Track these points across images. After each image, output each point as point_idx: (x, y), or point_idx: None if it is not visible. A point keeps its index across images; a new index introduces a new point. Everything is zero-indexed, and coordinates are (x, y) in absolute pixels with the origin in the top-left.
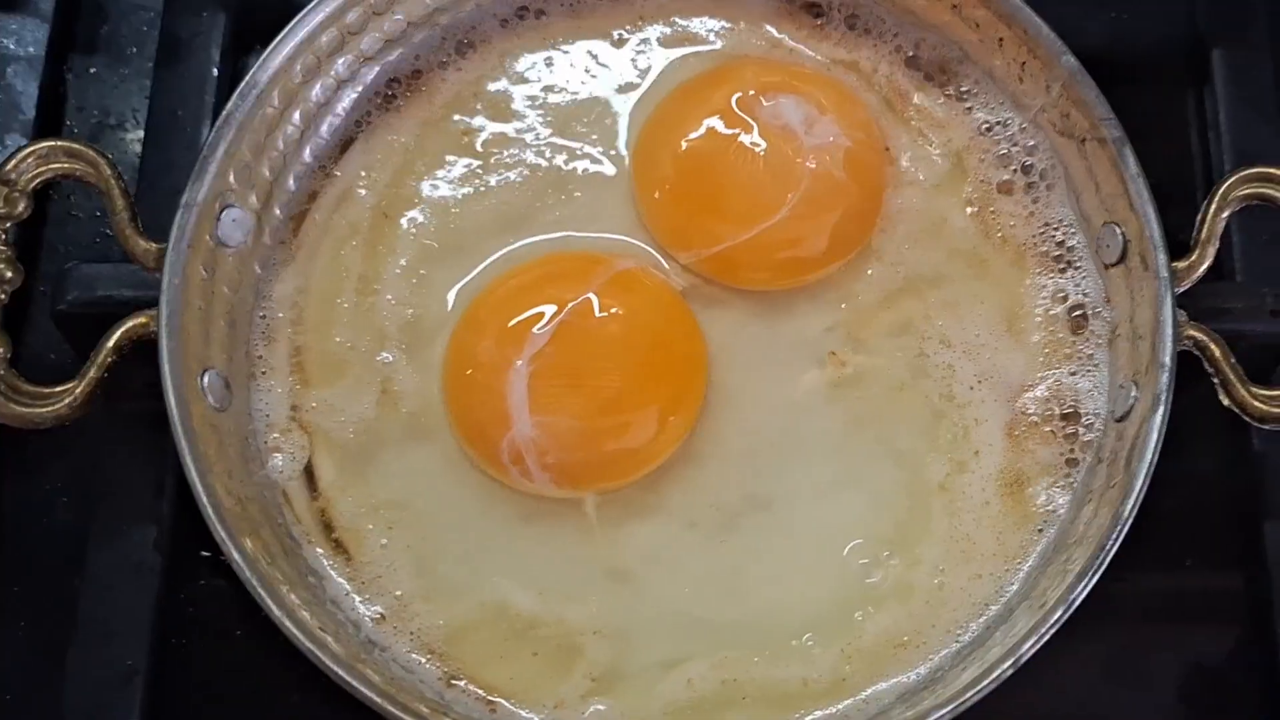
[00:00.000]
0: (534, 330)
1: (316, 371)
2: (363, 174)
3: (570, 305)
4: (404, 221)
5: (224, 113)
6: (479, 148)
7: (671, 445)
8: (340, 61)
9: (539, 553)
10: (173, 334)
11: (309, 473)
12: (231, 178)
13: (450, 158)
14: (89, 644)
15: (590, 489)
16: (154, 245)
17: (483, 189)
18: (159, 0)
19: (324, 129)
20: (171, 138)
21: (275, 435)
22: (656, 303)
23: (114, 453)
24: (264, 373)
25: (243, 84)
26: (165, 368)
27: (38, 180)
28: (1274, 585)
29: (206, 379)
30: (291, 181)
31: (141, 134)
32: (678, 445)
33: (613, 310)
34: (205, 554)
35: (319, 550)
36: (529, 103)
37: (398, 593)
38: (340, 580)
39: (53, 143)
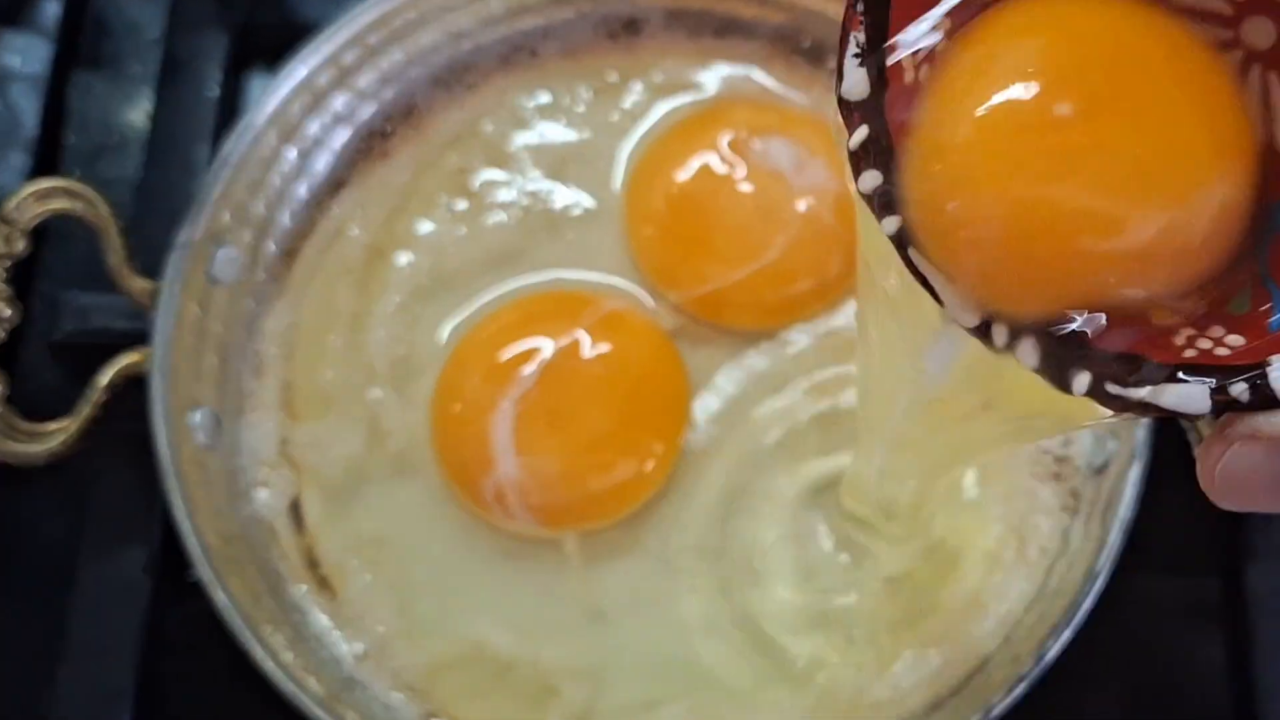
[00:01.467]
0: (521, 371)
1: (305, 407)
2: (357, 211)
3: (557, 346)
4: (397, 259)
5: (221, 153)
6: (473, 188)
7: (653, 486)
8: (338, 100)
9: (519, 591)
10: (164, 373)
11: (295, 509)
12: (227, 216)
13: (444, 197)
14: (77, 663)
15: (572, 528)
16: (149, 284)
17: (476, 229)
18: (161, 20)
19: (320, 165)
20: (171, 157)
21: (263, 470)
22: (642, 344)
23: (105, 475)
24: (253, 408)
25: (240, 124)
26: (156, 408)
27: (37, 219)
28: (1256, 627)
29: (198, 416)
30: (286, 218)
31: (142, 153)
32: (659, 486)
33: (599, 351)
34: (194, 579)
35: (304, 587)
36: (523, 143)
37: (380, 629)
38: (323, 616)
39: (52, 182)
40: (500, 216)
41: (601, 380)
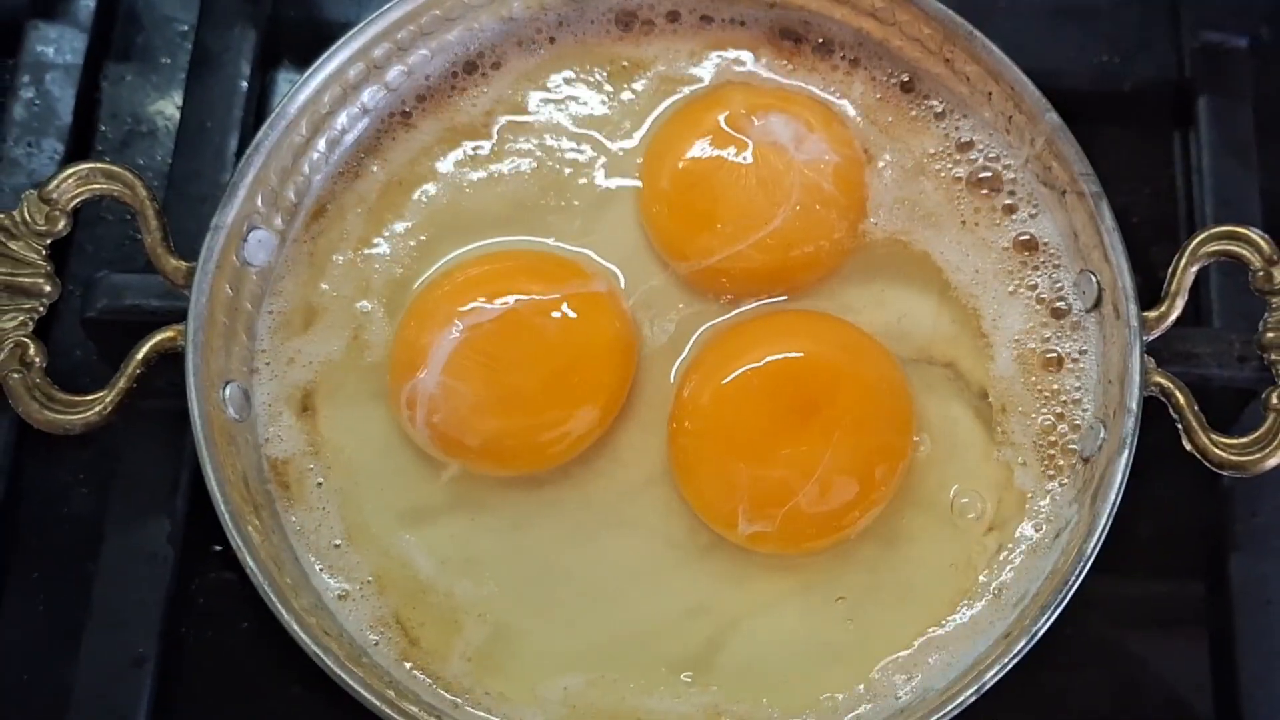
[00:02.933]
0: (487, 304)
1: (296, 319)
2: (378, 159)
3: (530, 300)
4: (413, 192)
5: (254, 141)
6: (494, 132)
7: (545, 462)
8: (366, 92)
9: (457, 526)
10: (198, 349)
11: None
12: (259, 201)
13: (466, 142)
14: (102, 630)
15: (455, 462)
16: (183, 264)
17: (494, 174)
18: (193, 13)
19: (348, 149)
20: (200, 147)
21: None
22: (604, 332)
23: (133, 447)
24: (266, 361)
25: (273, 114)
26: (190, 382)
27: (77, 200)
28: (1236, 612)
29: (228, 391)
30: (312, 200)
31: (171, 142)
32: (551, 462)
33: (563, 321)
34: (217, 548)
35: (278, 506)
36: (543, 99)
37: (336, 542)
38: (302, 548)
39: (92, 165)
40: (518, 165)
41: (553, 349)
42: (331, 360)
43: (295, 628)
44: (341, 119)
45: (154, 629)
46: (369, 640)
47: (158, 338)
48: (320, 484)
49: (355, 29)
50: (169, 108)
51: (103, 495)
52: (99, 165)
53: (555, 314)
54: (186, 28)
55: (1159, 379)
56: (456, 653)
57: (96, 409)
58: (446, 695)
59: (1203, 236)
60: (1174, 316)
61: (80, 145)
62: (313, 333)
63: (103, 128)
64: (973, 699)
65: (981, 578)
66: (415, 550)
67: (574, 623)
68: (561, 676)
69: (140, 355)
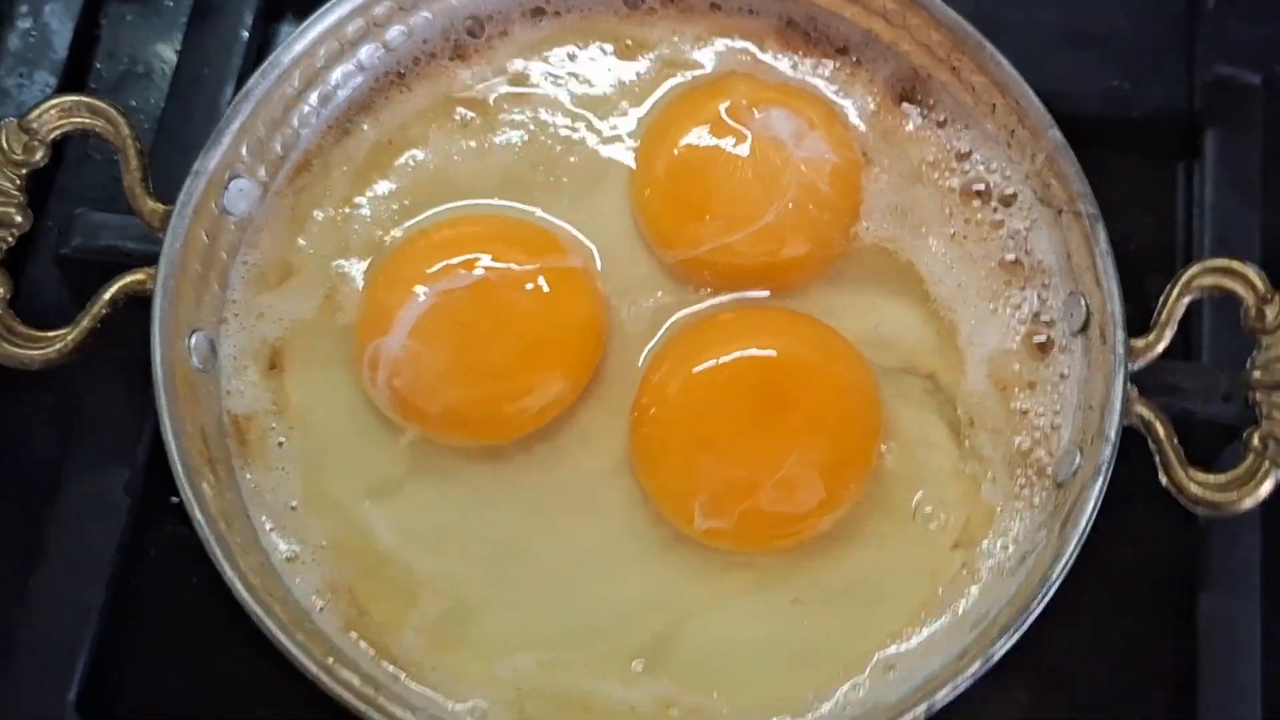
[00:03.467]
0: (460, 270)
1: (270, 273)
2: (370, 117)
3: (503, 268)
4: (400, 155)
5: (244, 88)
6: (489, 101)
7: (504, 433)
8: (364, 49)
9: (421, 498)
10: (167, 294)
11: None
12: (244, 150)
13: (460, 109)
14: (51, 575)
15: (414, 427)
16: (160, 206)
17: (484, 143)
18: None
19: (340, 105)
20: (194, 95)
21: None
22: (575, 308)
23: (99, 394)
24: (236, 313)
25: (266, 62)
26: (155, 327)
27: (58, 132)
28: (1201, 653)
29: (193, 340)
30: (299, 154)
31: (166, 86)
32: (509, 434)
33: (535, 293)
34: (174, 500)
35: (235, 462)
36: (539, 95)
37: (293, 504)
38: (255, 507)
39: (76, 97)
40: (510, 137)
41: (521, 321)
42: (303, 319)
43: (238, 585)
44: (336, 74)
45: (103, 577)
46: (314, 605)
47: (127, 279)
48: (282, 444)
49: None
50: (168, 51)
51: (63, 439)
52: (83, 99)
53: (528, 286)
54: None
55: (1140, 409)
56: (410, 625)
57: (57, 346)
58: (389, 668)
59: (1196, 269)
60: (1161, 347)
61: (74, 81)
62: (286, 289)
63: (98, 65)
64: (921, 716)
65: (942, 592)
66: (376, 520)
67: (530, 603)
68: (512, 656)
69: (107, 295)
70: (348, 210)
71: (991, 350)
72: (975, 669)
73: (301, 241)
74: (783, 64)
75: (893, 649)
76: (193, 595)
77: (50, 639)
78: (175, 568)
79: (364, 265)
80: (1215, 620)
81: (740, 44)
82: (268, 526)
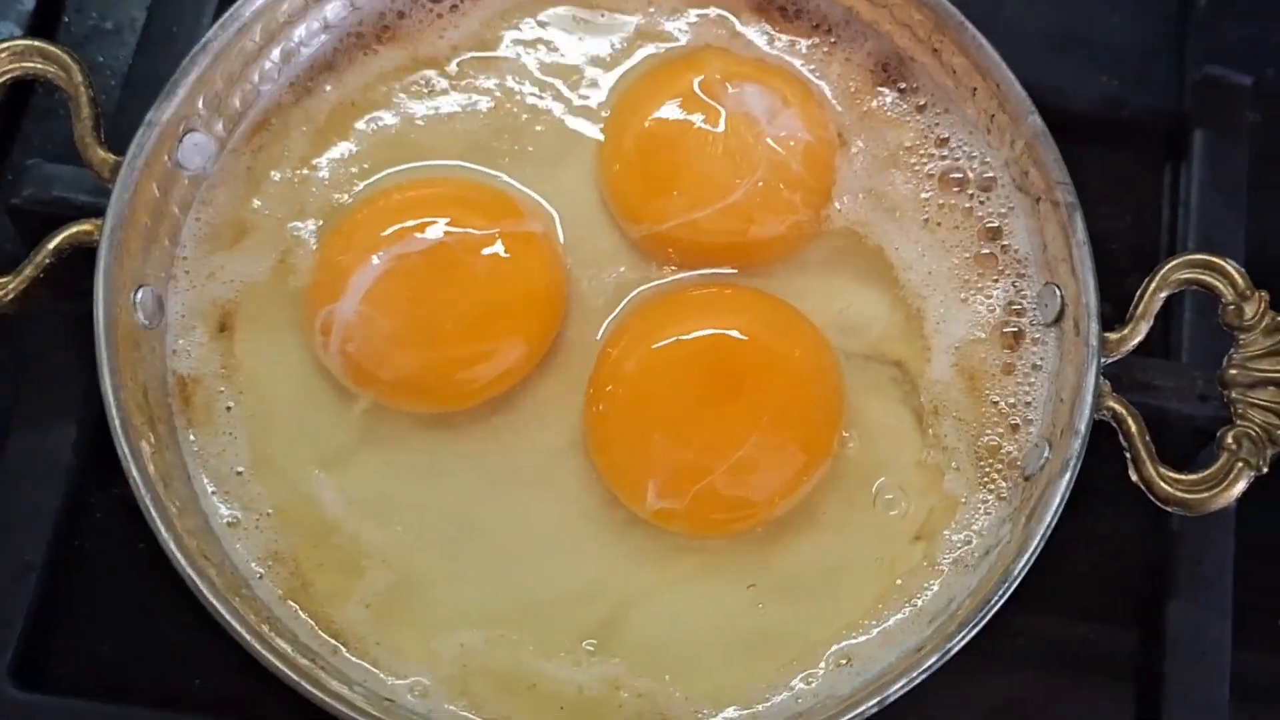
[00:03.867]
0: (415, 235)
1: (224, 233)
2: (333, 76)
3: (459, 231)
4: (362, 117)
5: (202, 40)
6: (453, 69)
7: (458, 400)
8: (330, 7)
9: (366, 465)
10: (113, 247)
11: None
12: (200, 103)
13: (427, 71)
14: None
15: (367, 393)
16: (112, 157)
17: (450, 107)
18: None
19: (302, 64)
20: (162, 51)
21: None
22: (533, 274)
23: (50, 349)
24: (186, 270)
25: (225, 15)
26: (99, 279)
27: (7, 76)
28: (1168, 660)
29: (140, 295)
30: (258, 112)
31: (135, 42)
32: (464, 402)
33: (492, 259)
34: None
35: (177, 422)
36: (508, 62)
37: (239, 469)
38: (197, 470)
39: (29, 42)
40: (476, 103)
41: (478, 286)
42: (256, 281)
43: (171, 546)
44: (300, 31)
45: (45, 537)
46: (253, 572)
47: (73, 229)
48: (230, 408)
49: None
50: (136, 8)
51: (10, 392)
52: (35, 43)
53: (485, 251)
54: None
55: (1112, 403)
56: (355, 598)
57: None
58: (329, 640)
59: (1176, 263)
60: (1136, 341)
61: (40, 34)
62: (239, 250)
63: (66, 20)
64: (873, 710)
65: (901, 583)
66: (324, 488)
67: (479, 579)
68: (458, 632)
69: (52, 245)
70: (306, 172)
71: (960, 339)
72: (932, 663)
73: (257, 202)
74: (759, 39)
75: (848, 640)
76: (135, 559)
77: None
78: (119, 531)
79: (320, 228)
80: (1183, 629)
81: (716, 13)
82: (210, 490)
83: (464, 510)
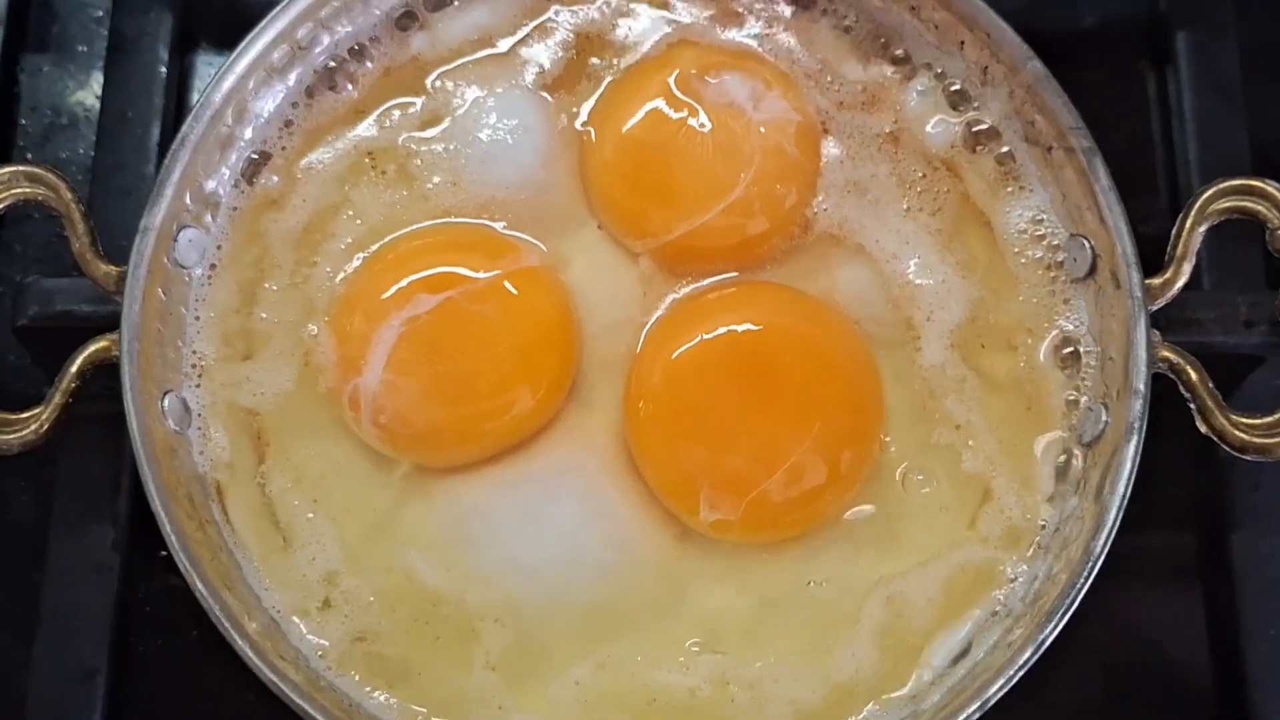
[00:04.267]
0: (421, 295)
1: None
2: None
3: (463, 285)
4: (342, 216)
5: (179, 134)
6: (430, 87)
7: (496, 447)
8: (293, 75)
9: (434, 526)
10: (133, 360)
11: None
12: (187, 199)
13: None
14: (52, 642)
15: (409, 458)
16: (114, 269)
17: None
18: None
19: (273, 135)
20: (122, 138)
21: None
22: (542, 308)
23: (73, 455)
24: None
25: (197, 105)
26: (128, 397)
27: (1, 206)
28: (1239, 595)
29: (167, 402)
30: (238, 198)
31: (93, 133)
32: (500, 447)
33: (500, 301)
34: (162, 554)
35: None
36: (479, 96)
37: (323, 568)
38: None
39: (15, 168)
40: (453, 143)
41: (494, 332)
42: (284, 390)
43: (249, 653)
44: (268, 105)
45: (104, 639)
46: (328, 661)
47: (91, 349)
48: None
49: (276, 9)
50: (89, 98)
51: (45, 502)
52: (21, 168)
53: (493, 295)
54: (101, 13)
55: (1167, 353)
56: (479, 662)
57: (33, 427)
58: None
59: (1212, 192)
60: (1180, 284)
61: (1, 141)
62: (258, 362)
63: (23, 121)
64: (976, 715)
65: (970, 572)
66: (410, 561)
67: (569, 611)
68: (569, 670)
69: (74, 369)
70: (306, 271)
71: (959, 319)
72: (1028, 657)
73: (263, 315)
74: (726, 29)
75: (935, 640)
76: (192, 647)
77: (60, 707)
78: (171, 621)
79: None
80: (1250, 561)
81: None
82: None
83: (534, 547)
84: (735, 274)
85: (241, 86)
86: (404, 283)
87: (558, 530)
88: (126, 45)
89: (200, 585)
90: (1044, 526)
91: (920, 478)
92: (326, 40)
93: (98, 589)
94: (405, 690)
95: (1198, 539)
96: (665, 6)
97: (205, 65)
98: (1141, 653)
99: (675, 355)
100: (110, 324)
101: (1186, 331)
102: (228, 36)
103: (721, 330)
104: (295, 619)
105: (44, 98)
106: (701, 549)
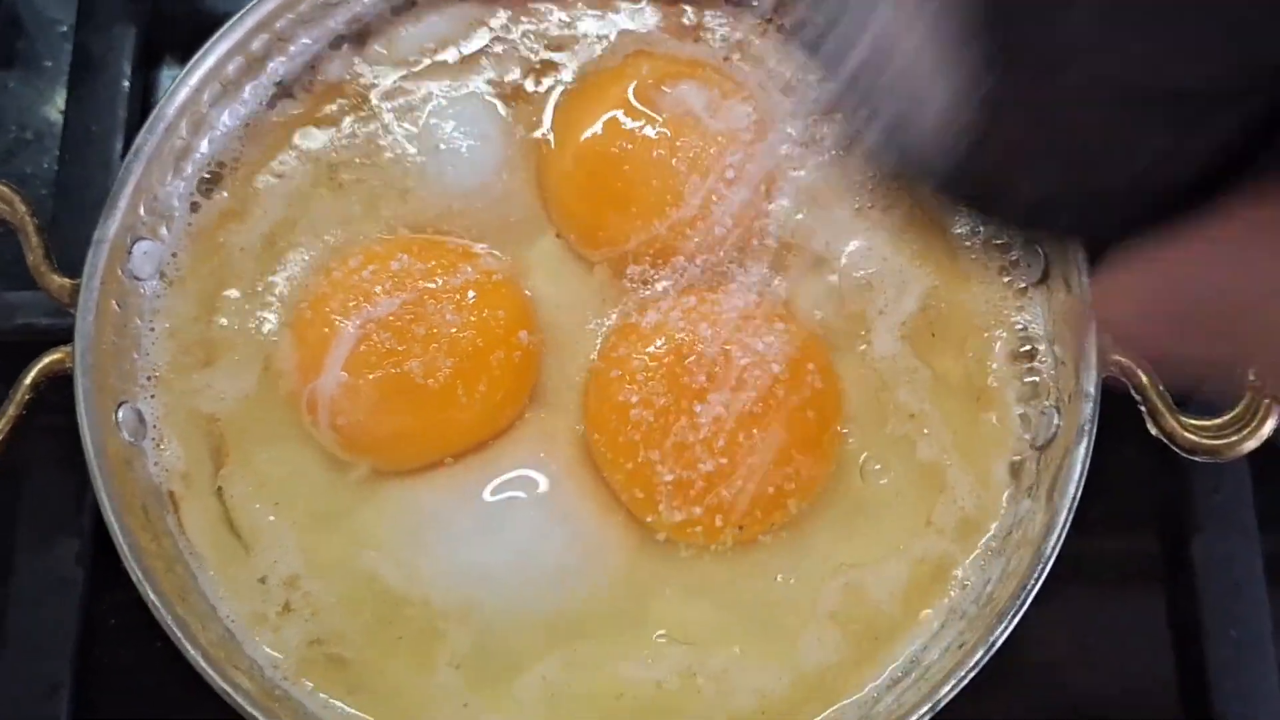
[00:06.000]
0: (382, 297)
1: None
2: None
3: (425, 288)
4: (302, 226)
5: (134, 146)
6: (374, 100)
7: (454, 450)
8: (248, 88)
9: (394, 528)
10: (87, 372)
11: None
12: (142, 210)
13: (348, 140)
14: (16, 658)
15: (367, 461)
16: (68, 281)
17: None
18: (72, 15)
19: (229, 147)
20: (86, 153)
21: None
22: (499, 315)
23: (34, 469)
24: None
25: (151, 117)
26: (81, 408)
27: None
28: (1202, 598)
29: (122, 413)
30: (195, 209)
31: (58, 148)
32: (461, 449)
33: (459, 305)
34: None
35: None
36: (437, 105)
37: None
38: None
39: None
40: (405, 148)
41: (447, 337)
42: (244, 394)
43: (201, 663)
44: (224, 116)
45: (68, 653)
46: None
47: (45, 361)
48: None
49: (230, 21)
50: (54, 113)
51: (8, 517)
52: None
53: (451, 300)
54: (66, 28)
55: (1118, 357)
56: (442, 661)
57: None
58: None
59: None
60: None
61: None
62: (218, 368)
63: None
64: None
65: (927, 569)
66: (360, 563)
67: (538, 609)
68: (537, 666)
69: (28, 381)
70: (271, 265)
71: (905, 315)
72: (980, 658)
73: (223, 321)
74: (681, 39)
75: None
76: (155, 658)
77: None
78: (135, 633)
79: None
80: (1211, 563)
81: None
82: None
83: (496, 554)
84: (691, 280)
85: (196, 99)
86: (362, 287)
87: (519, 533)
88: (91, 60)
89: (154, 597)
90: (997, 526)
91: (878, 468)
92: (282, 53)
93: (62, 603)
94: (364, 698)
95: (1160, 541)
96: (614, 8)
97: (169, 80)
98: (1104, 654)
99: (632, 360)
100: (68, 336)
101: None
102: (192, 51)
103: (678, 335)
104: (252, 627)
105: (9, 112)
106: (665, 548)
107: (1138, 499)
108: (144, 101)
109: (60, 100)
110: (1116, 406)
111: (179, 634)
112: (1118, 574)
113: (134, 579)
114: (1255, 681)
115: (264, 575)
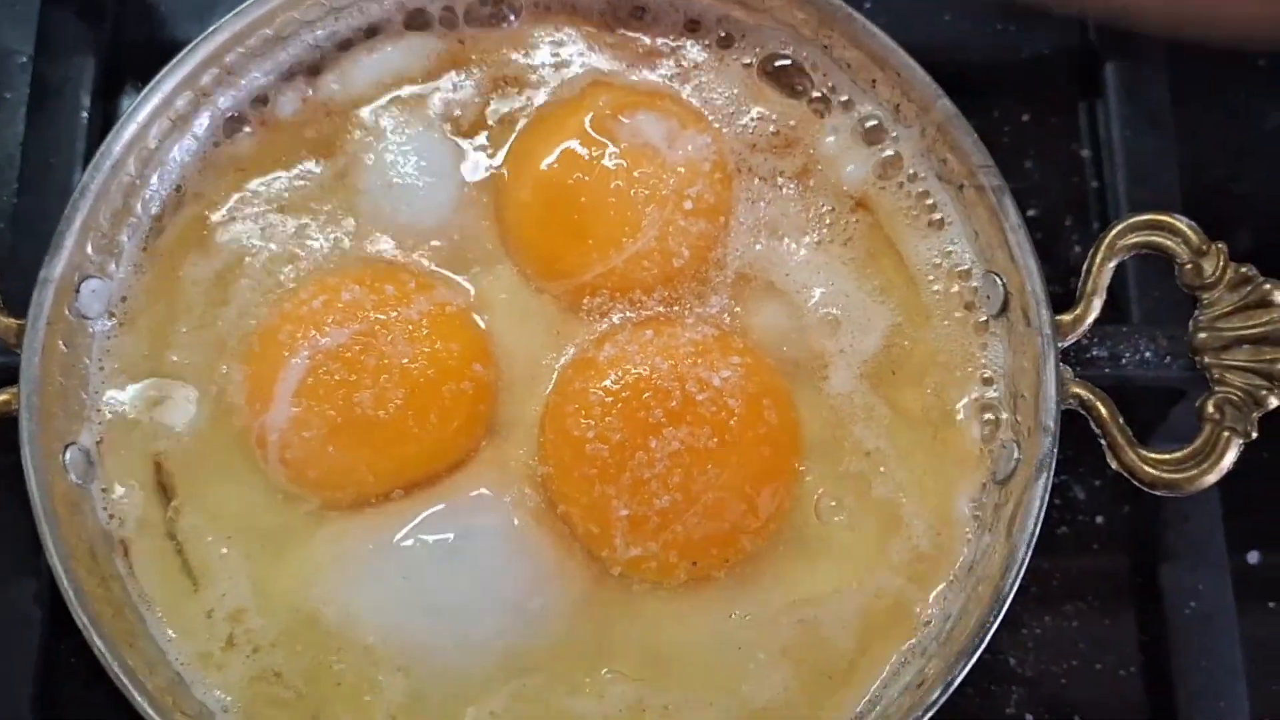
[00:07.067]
0: (331, 328)
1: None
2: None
3: (371, 321)
4: (254, 260)
5: (79, 184)
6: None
7: (403, 482)
8: (199, 121)
9: (338, 567)
10: (32, 414)
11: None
12: (90, 248)
13: (301, 173)
14: None
15: (315, 495)
16: (14, 321)
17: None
18: (31, 45)
19: (180, 182)
20: (44, 185)
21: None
22: (453, 347)
23: None
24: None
25: (98, 154)
26: (26, 451)
27: None
28: (1171, 629)
29: (69, 455)
30: (144, 246)
31: (16, 180)
32: (411, 482)
33: (409, 340)
34: None
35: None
36: (389, 141)
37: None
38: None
39: None
40: (366, 180)
41: (400, 370)
42: (192, 418)
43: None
44: (174, 151)
45: (28, 694)
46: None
47: None
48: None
49: (179, 55)
50: (11, 144)
51: None
52: None
53: (403, 332)
54: (25, 59)
55: (1077, 390)
56: (379, 714)
57: None
58: None
59: (1120, 227)
60: (1090, 319)
61: None
62: (168, 403)
63: None
64: None
65: (883, 606)
66: (304, 600)
67: (486, 646)
68: (484, 703)
69: None
70: (218, 310)
71: (870, 351)
72: (936, 698)
73: (174, 357)
74: (625, 58)
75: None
76: (120, 698)
77: None
78: (98, 671)
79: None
80: (1180, 594)
81: (568, 43)
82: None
83: (447, 589)
84: (648, 313)
85: (143, 135)
86: (312, 318)
87: (472, 568)
88: (49, 91)
89: (100, 643)
90: (958, 563)
91: (833, 504)
92: (233, 86)
93: (22, 648)
94: None
95: (1130, 569)
96: (572, 40)
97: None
98: (1075, 681)
99: (589, 394)
100: (16, 377)
101: (1105, 366)
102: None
103: (635, 369)
104: (200, 669)
105: None
106: (619, 583)
107: (1110, 526)
108: (103, 134)
109: (16, 132)
110: (1088, 431)
111: (125, 681)
112: (1091, 599)
113: (79, 624)
114: (1225, 714)
115: (211, 609)
